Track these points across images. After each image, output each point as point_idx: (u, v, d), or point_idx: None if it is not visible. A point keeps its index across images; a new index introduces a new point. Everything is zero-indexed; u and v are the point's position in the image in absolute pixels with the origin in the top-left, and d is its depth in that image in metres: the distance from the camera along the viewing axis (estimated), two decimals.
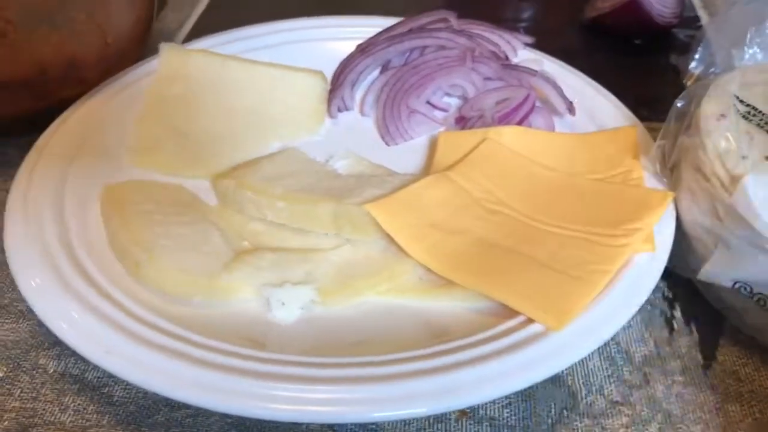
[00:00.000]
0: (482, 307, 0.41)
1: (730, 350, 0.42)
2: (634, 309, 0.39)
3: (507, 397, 0.40)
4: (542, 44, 0.61)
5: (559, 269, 0.40)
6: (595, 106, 0.54)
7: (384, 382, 0.35)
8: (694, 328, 0.44)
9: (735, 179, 0.40)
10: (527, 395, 0.40)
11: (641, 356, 0.42)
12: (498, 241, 0.43)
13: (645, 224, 0.42)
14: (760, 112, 0.45)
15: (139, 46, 0.62)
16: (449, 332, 0.39)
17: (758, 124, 0.44)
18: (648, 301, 0.44)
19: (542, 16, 0.78)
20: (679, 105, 0.48)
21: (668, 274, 0.45)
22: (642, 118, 0.53)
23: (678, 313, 0.44)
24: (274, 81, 0.57)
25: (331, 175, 0.51)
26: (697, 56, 0.56)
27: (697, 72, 0.56)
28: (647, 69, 0.67)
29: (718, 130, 0.43)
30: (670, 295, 0.46)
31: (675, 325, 0.44)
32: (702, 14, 0.75)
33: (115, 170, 0.50)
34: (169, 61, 0.56)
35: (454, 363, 0.36)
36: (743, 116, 0.44)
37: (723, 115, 0.44)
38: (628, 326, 0.43)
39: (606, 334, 0.37)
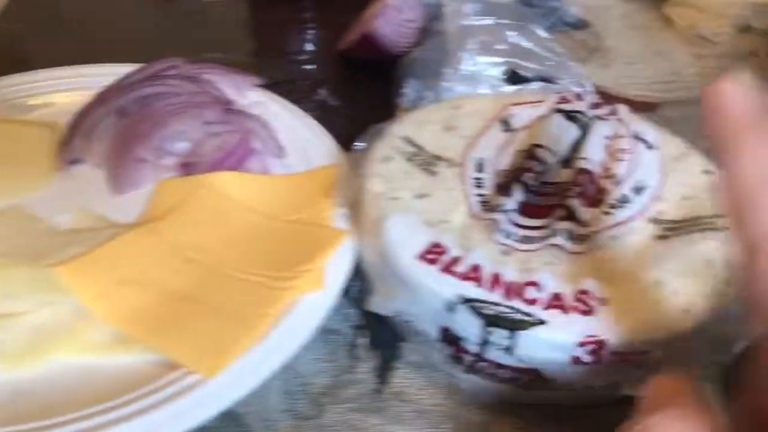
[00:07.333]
0: (161, 360, 0.43)
1: (401, 373, 0.46)
2: (292, 350, 0.42)
3: None
4: (301, 73, 0.68)
5: (227, 316, 0.43)
6: (309, 146, 0.57)
7: None
8: (376, 355, 0.47)
9: (382, 220, 0.44)
10: None
11: (320, 387, 0.45)
12: (188, 291, 0.46)
13: (315, 264, 0.45)
14: (425, 152, 0.49)
15: None
16: (120, 389, 0.41)
17: (419, 164, 0.48)
18: (335, 332, 0.48)
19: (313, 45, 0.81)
20: (358, 147, 0.51)
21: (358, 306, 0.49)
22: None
23: (363, 341, 0.48)
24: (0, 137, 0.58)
25: (50, 233, 0.52)
26: (407, 89, 0.60)
27: (407, 104, 0.60)
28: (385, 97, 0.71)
29: (379, 174, 0.47)
30: (360, 325, 0.49)
31: (358, 354, 0.47)
32: None
33: None
34: None
35: (112, 420, 0.38)
36: (407, 158, 0.48)
37: (388, 158, 0.48)
38: (313, 359, 0.47)
39: (257, 379, 0.40)
